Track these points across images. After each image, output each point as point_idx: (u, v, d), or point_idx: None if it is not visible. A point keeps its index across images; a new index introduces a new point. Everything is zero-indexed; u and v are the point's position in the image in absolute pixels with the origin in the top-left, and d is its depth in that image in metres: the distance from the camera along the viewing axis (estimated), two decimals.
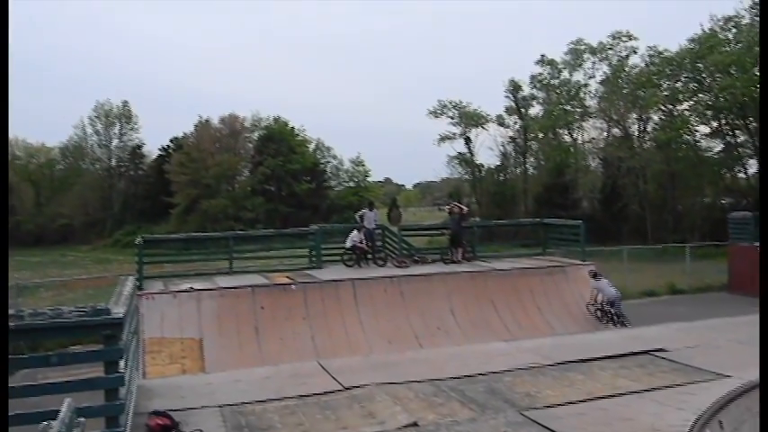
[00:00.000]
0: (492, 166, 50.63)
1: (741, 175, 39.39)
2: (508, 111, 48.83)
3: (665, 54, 39.34)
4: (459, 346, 11.70)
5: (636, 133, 42.81)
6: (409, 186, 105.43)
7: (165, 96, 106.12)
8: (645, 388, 6.81)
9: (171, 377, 10.26)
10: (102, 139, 64.11)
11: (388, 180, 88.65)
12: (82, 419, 3.59)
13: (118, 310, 5.27)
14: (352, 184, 60.41)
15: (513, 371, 7.63)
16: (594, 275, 15.94)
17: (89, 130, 64.07)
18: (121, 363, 5.24)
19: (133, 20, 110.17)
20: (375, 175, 65.25)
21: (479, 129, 49.17)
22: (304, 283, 15.01)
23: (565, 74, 46.01)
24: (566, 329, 14.15)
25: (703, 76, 37.01)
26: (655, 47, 40.49)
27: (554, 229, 21.06)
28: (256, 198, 54.59)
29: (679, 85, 38.43)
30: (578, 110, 45.25)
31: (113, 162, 64.26)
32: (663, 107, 39.35)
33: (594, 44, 43.99)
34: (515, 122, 48.80)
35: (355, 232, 17.67)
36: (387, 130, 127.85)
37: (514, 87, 48.10)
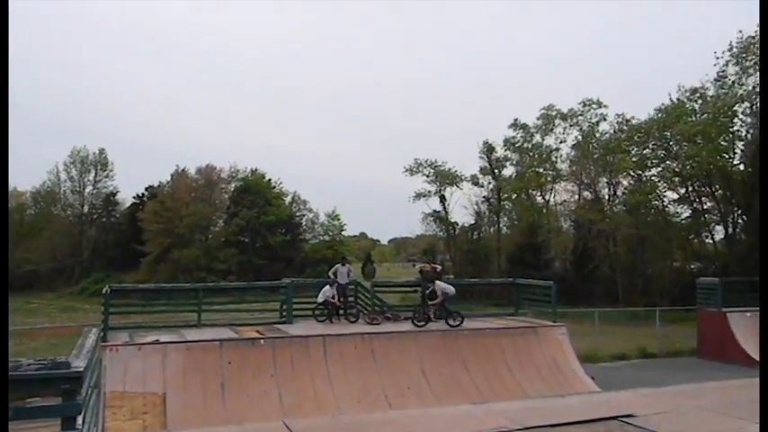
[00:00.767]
0: (466, 225, 51.35)
1: (708, 240, 40.29)
2: (482, 171, 49.88)
3: (634, 122, 40.75)
4: (429, 407, 11.53)
5: (606, 197, 43.94)
6: (384, 242, 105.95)
7: (142, 145, 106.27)
8: None
9: None
10: (75, 185, 63.83)
11: (363, 235, 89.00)
12: None
13: (78, 364, 5.14)
14: (326, 237, 60.52)
15: None
16: (438, 275, 17.79)
17: (63, 175, 63.86)
18: (79, 419, 5.08)
19: (116, 68, 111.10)
20: (350, 230, 65.79)
21: (454, 187, 50.14)
22: (273, 338, 14.75)
23: (537, 137, 47.41)
24: (536, 391, 14.05)
25: (670, 144, 38.18)
26: (623, 114, 42.10)
27: (526, 289, 21.15)
28: (230, 249, 54.25)
29: (647, 151, 39.58)
30: (550, 172, 46.40)
31: (86, 208, 63.73)
32: (632, 172, 40.46)
33: (565, 110, 45.60)
34: (489, 183, 49.86)
35: (328, 287, 17.56)
36: (363, 185, 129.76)
37: (488, 149, 49.25)
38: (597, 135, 43.95)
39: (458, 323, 16.28)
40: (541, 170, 46.44)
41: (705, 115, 36.43)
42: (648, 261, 40.58)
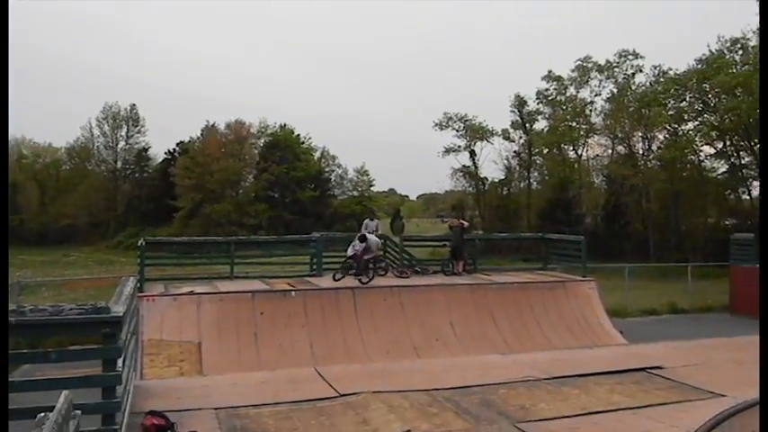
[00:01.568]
0: (496, 180, 50.75)
1: (745, 196, 39.35)
2: (513, 125, 48.96)
3: (670, 74, 39.45)
4: (457, 357, 11.70)
5: (640, 151, 42.94)
6: (413, 197, 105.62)
7: (173, 101, 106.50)
8: (639, 404, 6.82)
9: (168, 379, 10.29)
10: (108, 140, 64.50)
11: (392, 191, 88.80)
12: (78, 412, 3.63)
13: (117, 309, 5.32)
14: (355, 193, 60.56)
15: (509, 383, 7.65)
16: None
17: (96, 131, 64.49)
18: (119, 361, 5.29)
19: (145, 26, 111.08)
20: (379, 186, 65.51)
21: (484, 142, 49.33)
22: (304, 291, 15.03)
23: (571, 90, 46.22)
24: (564, 344, 14.12)
25: (709, 96, 37.03)
26: (659, 66, 40.75)
27: (555, 244, 21.05)
28: (260, 204, 54.76)
29: (684, 104, 38.47)
30: (583, 126, 45.38)
31: (119, 164, 64.56)
32: (668, 126, 39.39)
33: (602, 62, 44.23)
34: (520, 137, 48.94)
35: (357, 241, 17.70)
36: (392, 142, 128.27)
37: (520, 102, 48.27)
38: (633, 88, 42.70)
39: (366, 281, 15.79)
40: (574, 124, 45.47)
41: (746, 66, 35.11)
42: (682, 217, 39.87)
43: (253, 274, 17.65)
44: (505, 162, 49.60)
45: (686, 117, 38.54)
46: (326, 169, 61.02)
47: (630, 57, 43.07)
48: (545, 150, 47.77)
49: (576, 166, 46.45)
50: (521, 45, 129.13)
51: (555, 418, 6.32)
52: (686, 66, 38.65)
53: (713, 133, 37.67)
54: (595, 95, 45.20)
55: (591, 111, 45.42)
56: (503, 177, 50.40)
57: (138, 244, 16.03)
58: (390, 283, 16.19)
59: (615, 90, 43.77)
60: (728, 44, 36.71)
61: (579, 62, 45.03)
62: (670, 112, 38.49)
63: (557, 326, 15.67)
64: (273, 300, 14.54)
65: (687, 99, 38.31)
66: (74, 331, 6.05)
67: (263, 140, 60.27)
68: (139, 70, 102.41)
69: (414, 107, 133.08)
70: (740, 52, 36.37)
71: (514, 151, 49.30)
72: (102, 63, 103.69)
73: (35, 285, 20.90)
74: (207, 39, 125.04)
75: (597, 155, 46.59)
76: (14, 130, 60.39)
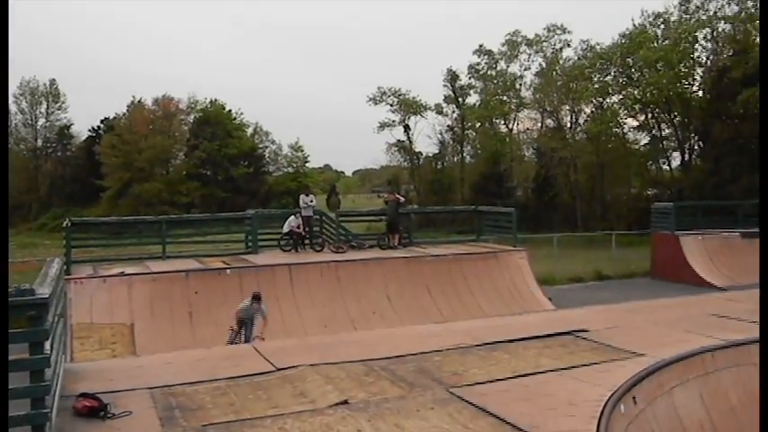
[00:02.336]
0: (430, 155, 51.26)
1: (665, 167, 41.30)
2: (446, 99, 49.40)
3: (597, 49, 40.64)
4: (393, 328, 11.92)
5: (568, 125, 44.34)
6: (349, 173, 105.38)
7: (96, 75, 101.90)
8: (565, 366, 7.16)
9: (100, 360, 10.06)
10: (27, 118, 61.27)
11: (327, 167, 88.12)
12: None
13: (43, 291, 5.16)
14: (290, 169, 59.79)
15: (443, 351, 7.87)
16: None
17: (13, 108, 61.04)
18: (47, 344, 5.14)
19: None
20: (314, 162, 64.79)
21: (418, 117, 49.64)
22: (239, 268, 14.92)
23: (501, 64, 46.97)
24: (496, 312, 14.59)
25: (632, 70, 38.37)
26: (587, 41, 41.88)
27: (488, 216, 21.62)
28: (192, 182, 53.35)
29: (609, 78, 39.74)
30: (514, 100, 46.33)
31: (39, 142, 61.52)
32: (594, 100, 40.71)
33: (531, 36, 45.09)
34: (453, 111, 49.47)
35: (293, 217, 17.66)
36: (327, 119, 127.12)
37: (452, 77, 48.68)
38: (561, 62, 43.82)
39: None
40: (505, 98, 46.31)
41: (667, 41, 36.58)
42: (607, 188, 41.55)
43: (186, 253, 17.36)
44: (439, 136, 50.18)
45: (611, 91, 39.87)
46: (260, 146, 59.87)
47: (559, 31, 44.16)
48: (477, 125, 48.52)
49: (507, 139, 47.42)
50: (455, 19, 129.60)
51: (486, 382, 6.57)
52: (610, 40, 40.02)
53: (636, 106, 39.18)
54: (525, 70, 46.22)
55: (521, 85, 46.45)
56: (437, 152, 50.99)
57: (64, 225, 15.45)
58: (327, 259, 16.27)
59: (544, 64, 44.80)
60: (651, 18, 38.10)
61: (509, 36, 45.80)
62: (596, 86, 39.73)
63: (489, 295, 16.19)
64: (208, 278, 14.39)
65: (612, 73, 39.59)
66: None
67: (192, 116, 58.47)
68: (62, 41, 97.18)
69: (348, 82, 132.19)
70: (662, 26, 37.79)
71: (448, 125, 49.89)
72: (18, 34, 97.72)
73: None
74: (133, 5, 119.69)
75: (527, 128, 47.84)
76: None
